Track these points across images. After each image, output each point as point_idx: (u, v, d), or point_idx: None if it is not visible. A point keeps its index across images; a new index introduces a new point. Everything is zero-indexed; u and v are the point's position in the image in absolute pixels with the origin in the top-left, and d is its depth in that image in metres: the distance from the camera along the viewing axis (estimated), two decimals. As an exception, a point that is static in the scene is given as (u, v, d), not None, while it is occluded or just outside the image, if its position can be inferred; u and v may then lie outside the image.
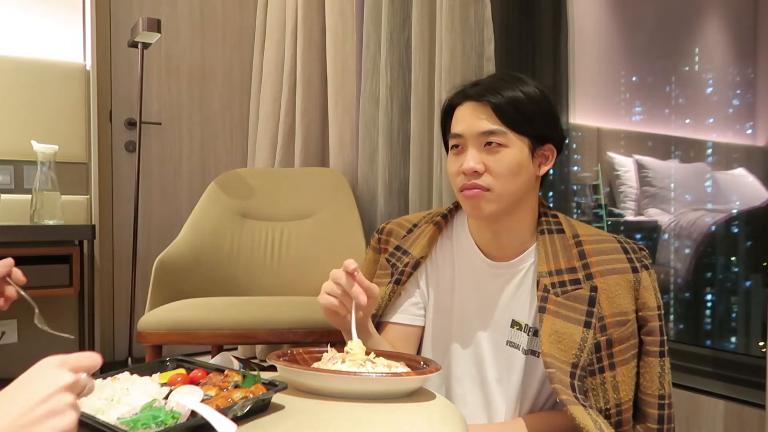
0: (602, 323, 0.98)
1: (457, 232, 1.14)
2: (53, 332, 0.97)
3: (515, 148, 1.00)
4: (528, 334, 1.04)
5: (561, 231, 1.06)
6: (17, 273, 0.94)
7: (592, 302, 0.98)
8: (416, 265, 1.12)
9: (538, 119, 1.01)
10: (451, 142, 1.05)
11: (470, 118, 1.01)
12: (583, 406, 0.92)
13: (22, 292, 0.94)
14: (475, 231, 1.11)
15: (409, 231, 1.17)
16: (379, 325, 1.15)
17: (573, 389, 0.94)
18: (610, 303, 0.99)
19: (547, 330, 0.97)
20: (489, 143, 0.99)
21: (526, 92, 1.01)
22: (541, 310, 0.99)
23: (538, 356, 1.02)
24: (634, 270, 1.01)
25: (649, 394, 1.00)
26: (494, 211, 1.02)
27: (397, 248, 1.17)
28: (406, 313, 1.14)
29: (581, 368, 0.96)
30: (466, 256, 1.11)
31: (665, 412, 1.00)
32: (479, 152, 1.00)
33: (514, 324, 1.06)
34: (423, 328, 1.16)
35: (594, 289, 0.99)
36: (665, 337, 1.00)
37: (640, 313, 1.00)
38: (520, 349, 1.05)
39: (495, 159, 0.99)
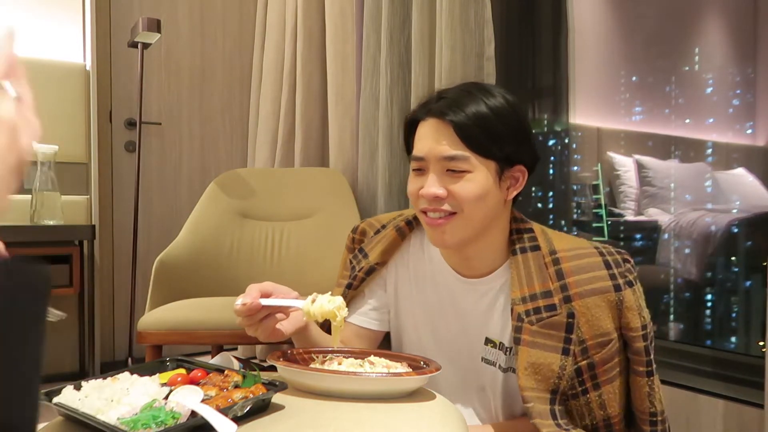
0: (583, 346, 0.92)
1: (427, 241, 1.07)
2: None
3: (480, 173, 0.92)
4: (505, 354, 0.99)
5: (536, 248, 0.98)
6: None
7: (569, 329, 0.92)
8: (370, 271, 1.07)
9: (506, 139, 0.93)
10: (412, 165, 0.98)
11: (431, 140, 0.94)
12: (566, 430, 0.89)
13: None
14: (443, 250, 1.05)
15: (377, 232, 1.12)
16: None
17: (554, 417, 0.91)
18: (590, 326, 0.92)
19: (522, 363, 0.92)
20: (451, 168, 0.92)
21: (493, 107, 0.92)
22: (516, 341, 0.93)
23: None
24: (617, 288, 0.92)
25: (641, 411, 0.96)
26: (459, 241, 0.96)
27: (360, 250, 1.11)
28: (365, 316, 1.10)
29: (561, 393, 0.93)
30: (438, 269, 1.06)
31: (658, 428, 0.96)
32: (441, 176, 0.93)
33: (488, 342, 1.01)
34: (384, 332, 1.12)
35: (571, 315, 0.92)
36: (651, 357, 0.94)
37: (623, 332, 0.94)
38: (497, 365, 1.00)
39: (458, 186, 0.92)
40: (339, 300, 0.88)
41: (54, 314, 0.90)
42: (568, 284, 0.93)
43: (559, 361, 0.91)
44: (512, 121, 0.94)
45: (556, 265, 0.95)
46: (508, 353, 0.98)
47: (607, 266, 0.94)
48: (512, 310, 0.95)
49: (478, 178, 0.92)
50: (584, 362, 0.93)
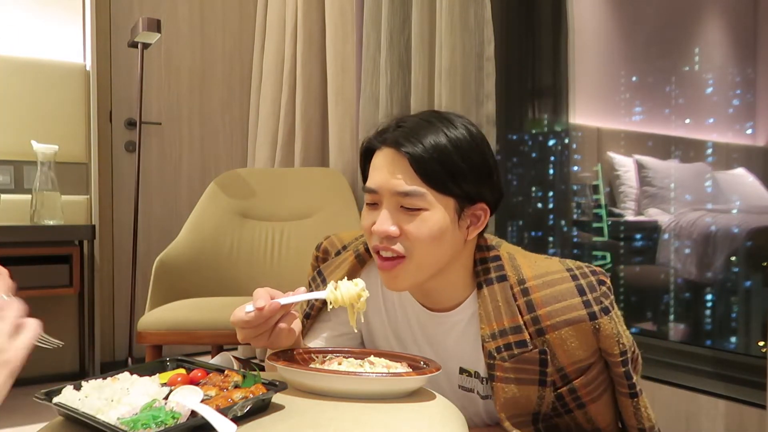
0: (562, 373, 0.89)
1: None
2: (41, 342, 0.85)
3: (437, 212, 0.86)
4: (482, 383, 0.96)
5: (503, 278, 0.92)
6: None
7: (543, 364, 0.89)
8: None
9: (466, 175, 0.86)
10: (366, 198, 0.92)
11: (385, 173, 0.87)
12: None
13: None
14: None
15: (338, 253, 1.06)
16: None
17: None
18: (567, 355, 0.88)
19: (500, 399, 0.90)
20: (406, 204, 0.86)
21: (453, 139, 0.86)
22: (491, 378, 0.90)
23: None
24: (592, 316, 0.86)
25: (630, 425, 0.94)
26: (412, 285, 0.91)
27: (319, 273, 1.05)
28: (328, 343, 1.04)
29: (543, 414, 0.92)
30: (405, 299, 1.02)
31: None
32: (394, 212, 0.87)
33: (463, 371, 0.98)
34: None
35: (544, 352, 0.88)
36: (634, 380, 0.90)
37: (604, 355, 0.90)
38: (475, 392, 0.97)
39: (412, 225, 0.86)
40: (361, 282, 0.85)
41: (52, 342, 0.87)
42: (540, 317, 0.88)
43: (536, 392, 0.89)
44: (474, 155, 0.87)
45: (526, 296, 0.89)
46: (485, 383, 0.95)
47: (581, 292, 0.88)
48: (483, 346, 0.91)
49: (435, 217, 0.86)
50: (565, 388, 0.90)
